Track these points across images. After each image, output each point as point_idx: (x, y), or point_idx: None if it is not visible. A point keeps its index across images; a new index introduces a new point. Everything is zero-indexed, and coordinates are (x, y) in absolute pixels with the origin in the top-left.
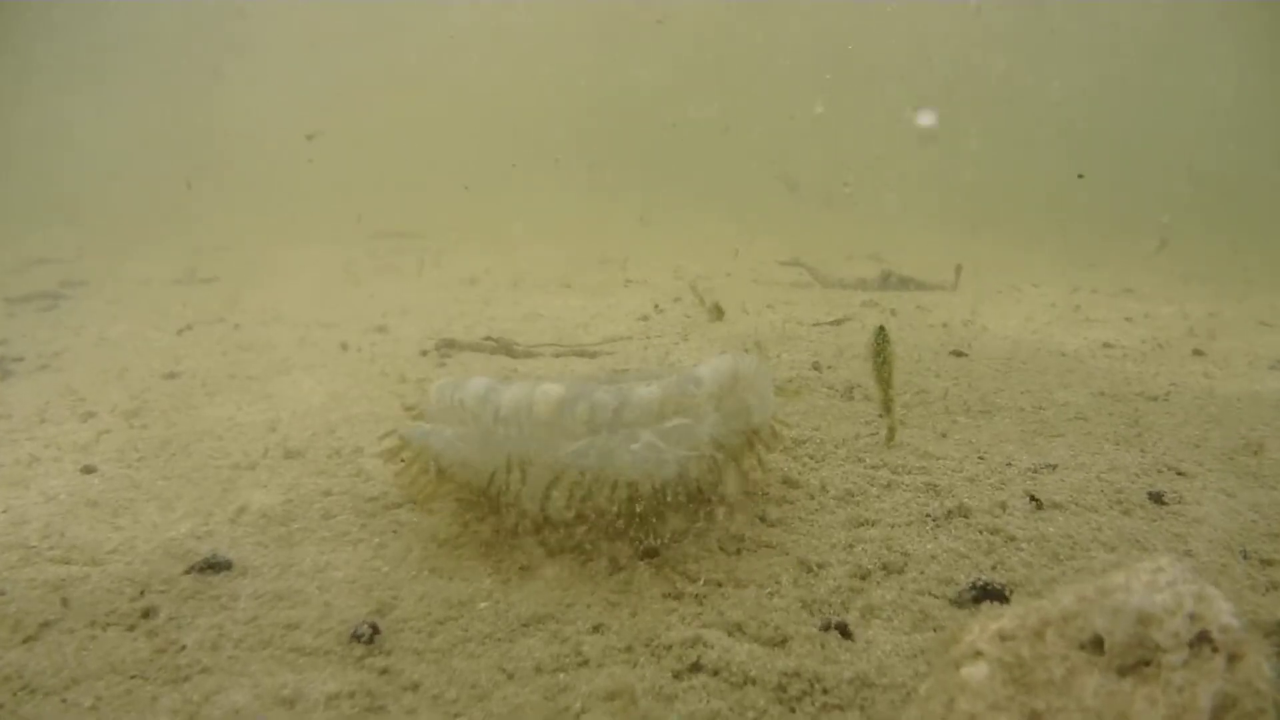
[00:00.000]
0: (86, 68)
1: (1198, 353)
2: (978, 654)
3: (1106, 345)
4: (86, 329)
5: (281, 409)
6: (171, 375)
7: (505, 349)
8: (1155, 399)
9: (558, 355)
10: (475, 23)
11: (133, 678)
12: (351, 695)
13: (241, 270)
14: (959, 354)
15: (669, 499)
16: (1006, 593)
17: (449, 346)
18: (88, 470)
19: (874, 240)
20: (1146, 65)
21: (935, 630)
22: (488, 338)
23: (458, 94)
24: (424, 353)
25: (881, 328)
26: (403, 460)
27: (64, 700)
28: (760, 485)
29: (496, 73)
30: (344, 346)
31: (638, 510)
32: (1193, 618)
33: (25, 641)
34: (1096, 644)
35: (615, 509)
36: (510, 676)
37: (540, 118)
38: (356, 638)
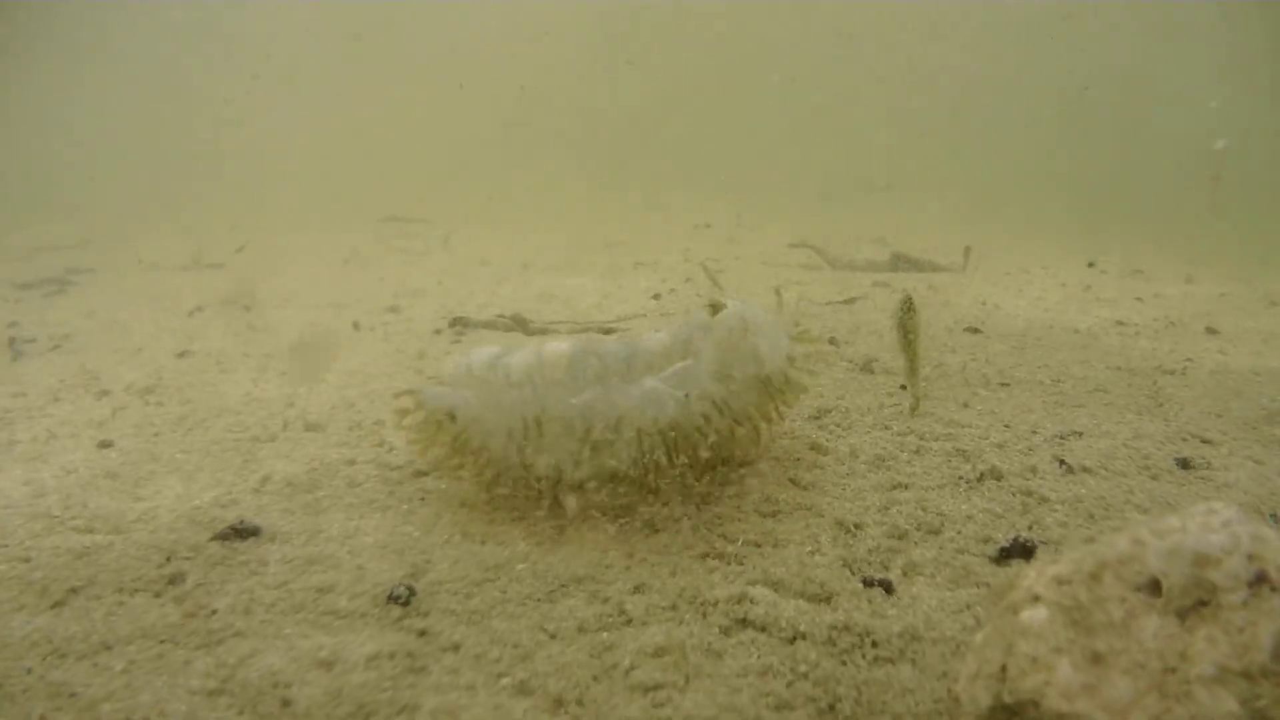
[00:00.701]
0: (89, 58)
1: (1211, 330)
2: (1036, 598)
3: (1119, 323)
4: (96, 312)
5: (298, 385)
6: (184, 354)
7: (519, 327)
8: (1172, 373)
9: (571, 333)
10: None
11: (163, 642)
12: (391, 656)
13: (250, 256)
14: (974, 331)
15: (677, 441)
16: (1050, 549)
17: (462, 325)
18: (105, 445)
19: (879, 224)
20: (1164, 45)
21: (978, 586)
22: (501, 316)
23: (466, 83)
24: (437, 331)
25: (908, 296)
26: (418, 422)
27: (95, 664)
28: (778, 436)
29: (507, 61)
30: (356, 326)
31: (647, 457)
32: (1250, 558)
33: (53, 607)
34: (1154, 586)
35: (628, 460)
36: (553, 636)
37: (550, 108)
38: (393, 599)
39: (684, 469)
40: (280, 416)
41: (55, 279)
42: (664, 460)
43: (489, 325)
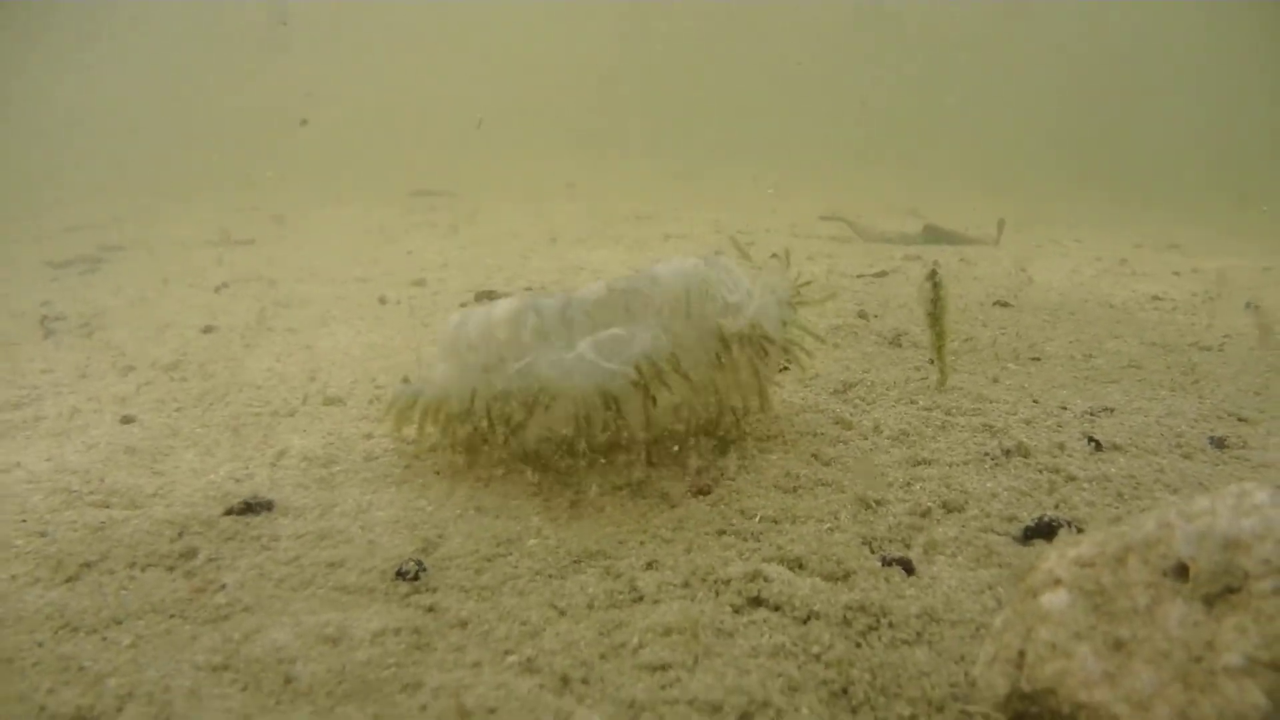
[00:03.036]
0: (118, 36)
1: (1250, 305)
2: (1057, 581)
3: (1155, 298)
4: (125, 289)
5: (321, 359)
6: (209, 329)
7: None
8: (1209, 349)
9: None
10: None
11: (172, 617)
12: (397, 632)
13: (276, 231)
14: (1004, 304)
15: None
16: (1074, 530)
17: (489, 298)
18: (127, 420)
19: (911, 195)
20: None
21: (1001, 567)
22: (528, 289)
23: (494, 59)
24: (464, 305)
25: (934, 271)
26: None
27: (104, 639)
28: (800, 410)
29: (534, 38)
30: (382, 300)
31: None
32: None
33: (67, 581)
34: (1181, 571)
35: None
36: (562, 613)
37: (577, 80)
38: (401, 575)
39: (687, 438)
40: (301, 391)
41: (89, 257)
42: (605, 425)
43: None
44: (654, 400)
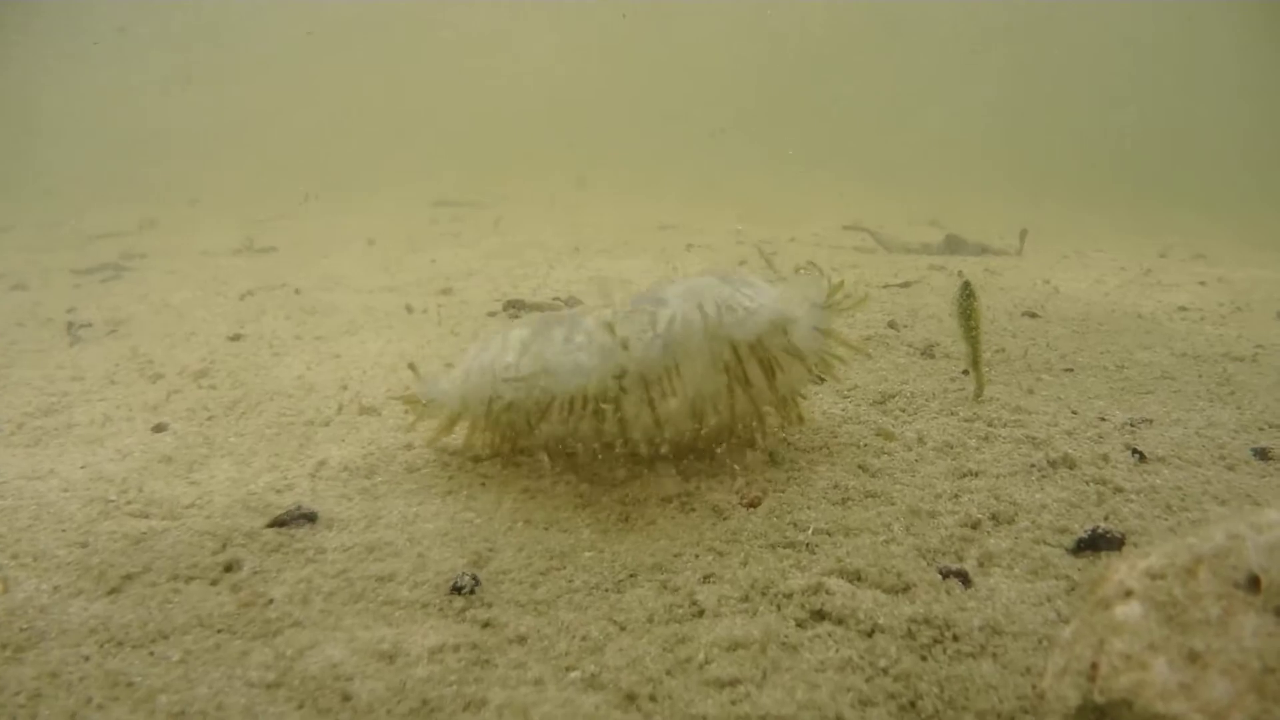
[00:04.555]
0: (148, 46)
1: None
2: (1129, 593)
3: (1182, 308)
4: (150, 296)
5: (351, 368)
6: (237, 337)
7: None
8: (1242, 360)
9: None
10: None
11: (220, 632)
12: (456, 649)
13: (300, 240)
14: (1032, 315)
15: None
16: (1129, 542)
17: (516, 307)
18: (159, 429)
19: (932, 207)
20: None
21: (1058, 579)
22: (556, 299)
23: (516, 69)
24: (491, 314)
25: (967, 282)
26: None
27: (151, 654)
28: (842, 422)
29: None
30: (409, 309)
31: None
32: None
33: (110, 593)
34: (1253, 583)
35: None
36: (622, 628)
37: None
38: (457, 590)
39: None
40: (334, 400)
41: (112, 265)
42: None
43: (543, 308)
44: (652, 404)
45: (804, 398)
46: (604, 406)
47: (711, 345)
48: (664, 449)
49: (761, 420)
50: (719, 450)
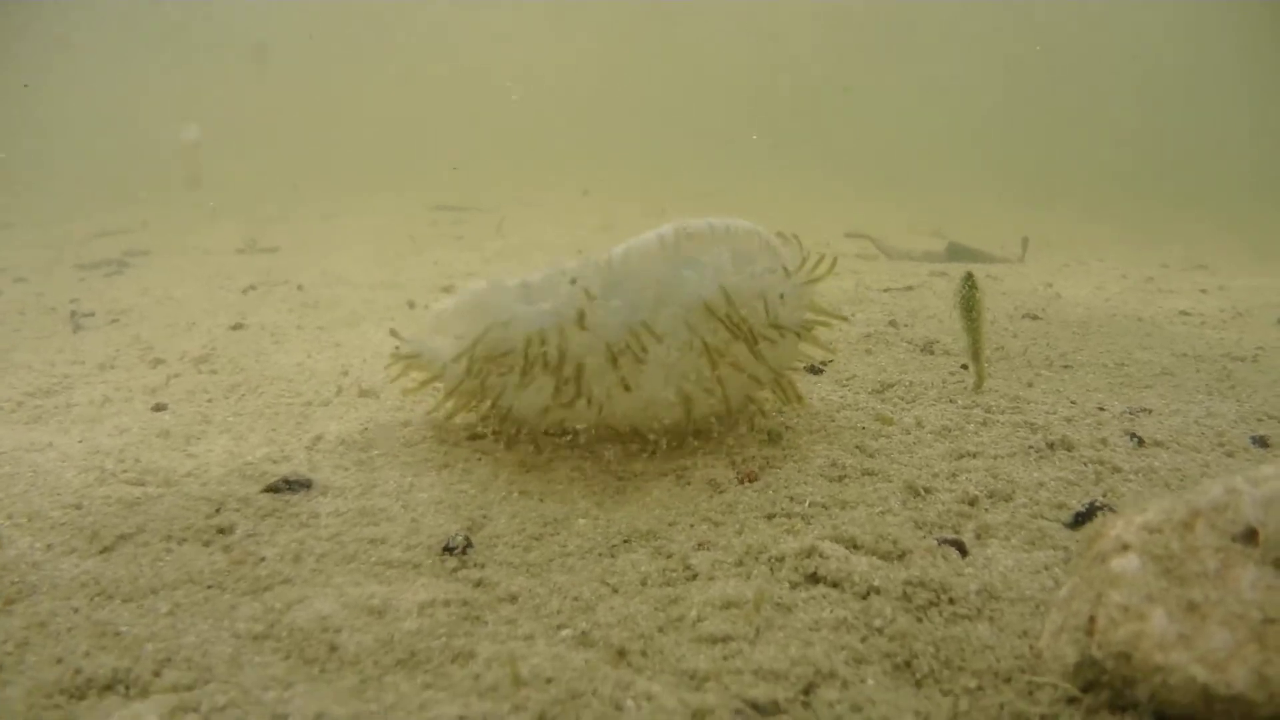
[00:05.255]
0: (149, 48)
1: None
2: (1125, 546)
3: (1184, 313)
4: (152, 290)
5: (352, 356)
6: (238, 327)
7: None
8: (1242, 360)
9: None
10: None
11: (210, 588)
12: (446, 604)
13: (302, 240)
14: (1033, 317)
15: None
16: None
17: None
18: (158, 408)
19: (935, 215)
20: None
21: (1055, 549)
22: None
23: (520, 76)
24: None
25: (970, 273)
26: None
27: (140, 607)
28: (840, 408)
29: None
30: (411, 304)
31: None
32: None
33: (102, 552)
34: (1250, 535)
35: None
36: (615, 590)
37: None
38: (448, 550)
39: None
40: (334, 384)
41: (114, 260)
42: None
43: None
44: (615, 361)
45: (797, 375)
46: (561, 352)
47: (681, 301)
48: (661, 441)
49: (756, 396)
50: (716, 428)
